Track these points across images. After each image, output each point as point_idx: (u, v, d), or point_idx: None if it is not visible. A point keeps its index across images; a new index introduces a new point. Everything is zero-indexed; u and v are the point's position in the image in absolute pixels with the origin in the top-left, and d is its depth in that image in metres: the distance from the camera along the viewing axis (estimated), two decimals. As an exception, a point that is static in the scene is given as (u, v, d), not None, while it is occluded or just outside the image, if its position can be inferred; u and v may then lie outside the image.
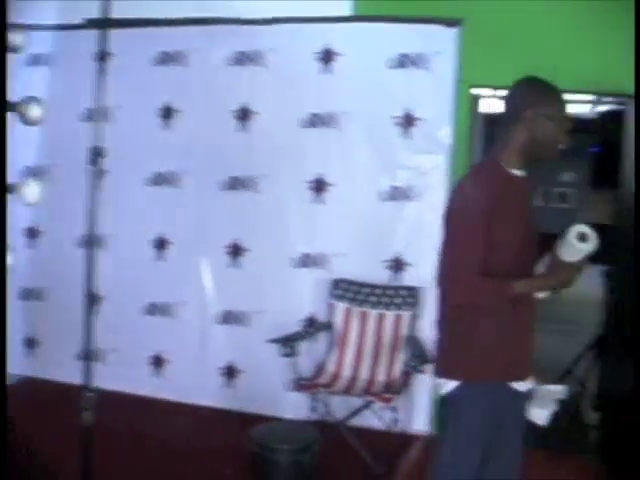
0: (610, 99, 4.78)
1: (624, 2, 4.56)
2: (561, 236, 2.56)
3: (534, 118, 2.65)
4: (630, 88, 4.50)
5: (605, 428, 4.96)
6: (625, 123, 4.78)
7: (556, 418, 2.96)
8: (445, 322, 2.80)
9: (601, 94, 4.59)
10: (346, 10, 5.01)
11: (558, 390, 2.92)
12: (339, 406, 4.64)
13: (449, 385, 2.72)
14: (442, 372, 2.78)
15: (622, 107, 4.81)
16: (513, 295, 2.59)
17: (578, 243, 2.50)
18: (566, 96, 2.73)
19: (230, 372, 5.29)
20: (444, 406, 2.77)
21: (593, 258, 2.60)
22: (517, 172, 2.74)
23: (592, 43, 4.64)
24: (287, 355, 4.41)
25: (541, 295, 2.74)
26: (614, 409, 4.83)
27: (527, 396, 2.82)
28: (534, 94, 2.69)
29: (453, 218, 2.67)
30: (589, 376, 5.66)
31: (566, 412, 4.94)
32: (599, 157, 5.29)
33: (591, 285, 4.96)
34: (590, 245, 2.51)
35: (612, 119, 4.99)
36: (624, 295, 4.77)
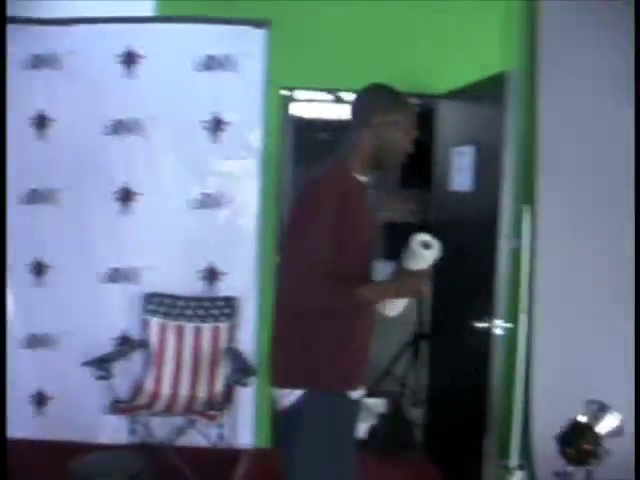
0: (420, 100, 4.80)
1: (433, 4, 4.63)
2: (405, 245, 2.58)
3: (381, 124, 2.66)
4: (440, 88, 4.57)
5: (428, 425, 5.00)
6: (435, 123, 4.83)
7: (381, 420, 2.96)
8: (286, 330, 2.70)
9: (411, 95, 4.59)
10: (148, 10, 4.76)
11: (378, 404, 2.94)
12: (161, 426, 4.42)
13: (292, 395, 2.63)
14: (284, 382, 2.68)
15: (431, 107, 4.85)
16: (361, 299, 2.54)
17: (423, 251, 2.54)
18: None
19: (40, 399, 4.95)
20: (287, 418, 2.67)
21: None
22: (362, 178, 2.73)
23: (401, 45, 4.69)
24: (102, 377, 4.12)
25: (393, 313, 2.73)
26: (436, 405, 4.88)
27: (359, 404, 2.80)
28: (381, 101, 2.70)
29: (297, 221, 2.58)
30: (408, 374, 5.73)
31: (388, 412, 4.99)
32: (408, 158, 5.32)
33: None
34: (434, 252, 2.56)
35: (421, 120, 5.03)
36: (438, 292, 4.82)
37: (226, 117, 4.73)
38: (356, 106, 2.75)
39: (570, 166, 4.43)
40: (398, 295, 2.65)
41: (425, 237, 2.57)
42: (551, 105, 4.44)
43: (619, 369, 4.22)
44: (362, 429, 2.93)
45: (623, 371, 4.20)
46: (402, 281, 2.60)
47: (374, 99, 2.72)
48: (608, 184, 4.42)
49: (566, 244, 4.41)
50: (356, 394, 2.74)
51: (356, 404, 2.77)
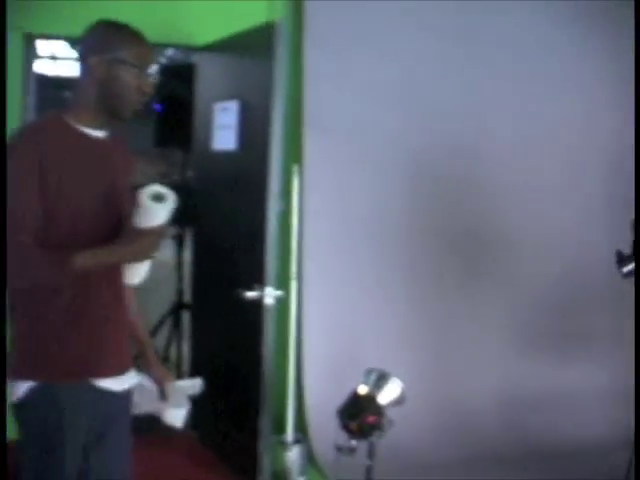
0: (179, 52, 4.50)
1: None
2: (135, 201, 2.23)
3: (100, 65, 2.23)
4: (201, 39, 4.30)
5: (194, 402, 4.76)
6: (195, 77, 4.54)
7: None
8: (11, 312, 2.28)
9: (169, 46, 4.27)
10: None
11: (191, 385, 2.65)
12: None
13: (21, 388, 2.22)
14: (11, 372, 2.27)
15: (191, 60, 4.60)
16: (75, 269, 2.11)
17: (154, 204, 2.20)
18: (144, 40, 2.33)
19: None
20: (17, 413, 2.27)
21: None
22: (92, 131, 2.29)
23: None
24: None
25: (135, 281, 2.42)
26: (202, 380, 4.66)
27: (128, 394, 2.44)
28: (100, 38, 2.28)
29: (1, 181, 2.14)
30: (169, 347, 5.47)
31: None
32: (162, 114, 5.01)
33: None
34: (168, 205, 2.23)
35: (180, 74, 4.74)
36: (200, 258, 4.67)
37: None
38: (79, 49, 2.35)
39: (334, 123, 4.34)
40: (128, 259, 2.28)
41: (157, 188, 2.24)
42: (317, 60, 4.31)
43: (395, 334, 4.20)
44: (178, 417, 2.59)
45: (399, 336, 4.17)
46: (130, 242, 2.22)
47: (91, 37, 2.32)
48: (372, 141, 4.37)
49: (333, 203, 4.32)
50: (116, 382, 2.36)
51: (114, 394, 2.37)
